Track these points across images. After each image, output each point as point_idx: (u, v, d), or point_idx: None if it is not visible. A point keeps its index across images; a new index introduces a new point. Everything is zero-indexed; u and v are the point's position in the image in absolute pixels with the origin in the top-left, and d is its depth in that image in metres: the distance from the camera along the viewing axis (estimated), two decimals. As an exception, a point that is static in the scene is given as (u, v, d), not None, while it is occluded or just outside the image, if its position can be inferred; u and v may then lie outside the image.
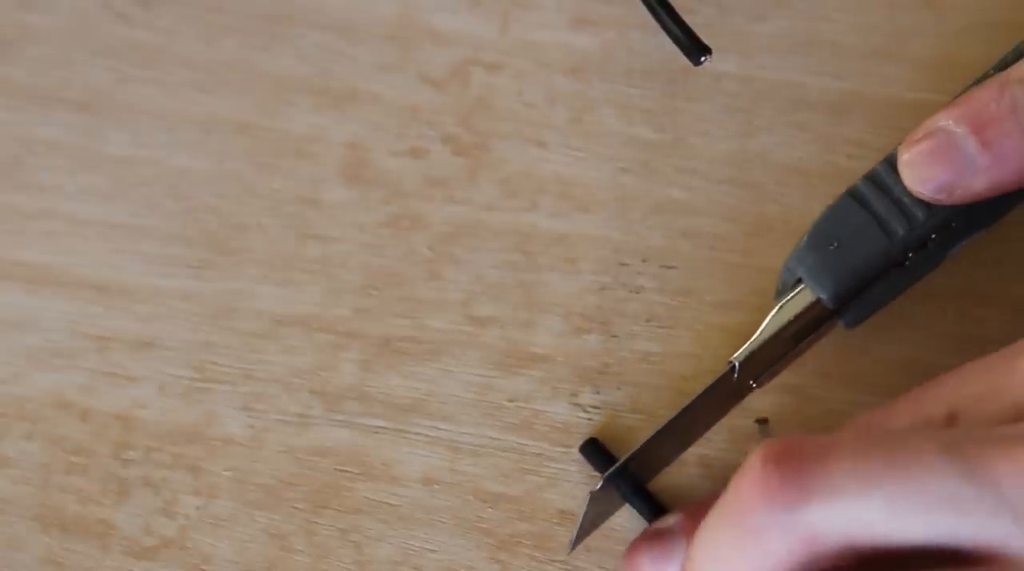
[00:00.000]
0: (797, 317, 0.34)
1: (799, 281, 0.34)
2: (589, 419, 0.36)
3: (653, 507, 0.34)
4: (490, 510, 0.35)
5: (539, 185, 0.39)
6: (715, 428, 0.35)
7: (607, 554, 0.34)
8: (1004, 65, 0.34)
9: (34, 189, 0.40)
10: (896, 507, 0.25)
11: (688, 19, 0.39)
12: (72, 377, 0.38)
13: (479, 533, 0.35)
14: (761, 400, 0.35)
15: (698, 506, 0.33)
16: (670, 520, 0.33)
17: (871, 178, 0.34)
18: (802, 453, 0.26)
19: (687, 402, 0.33)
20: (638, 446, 0.33)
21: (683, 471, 0.35)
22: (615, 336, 0.37)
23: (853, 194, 0.34)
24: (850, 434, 0.29)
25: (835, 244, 0.33)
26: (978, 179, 0.32)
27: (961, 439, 0.26)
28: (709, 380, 0.34)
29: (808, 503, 0.26)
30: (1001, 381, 0.28)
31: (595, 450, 0.35)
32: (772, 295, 0.36)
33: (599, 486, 0.33)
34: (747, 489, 0.26)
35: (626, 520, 0.35)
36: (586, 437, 0.36)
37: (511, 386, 0.36)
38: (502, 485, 0.35)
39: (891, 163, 0.34)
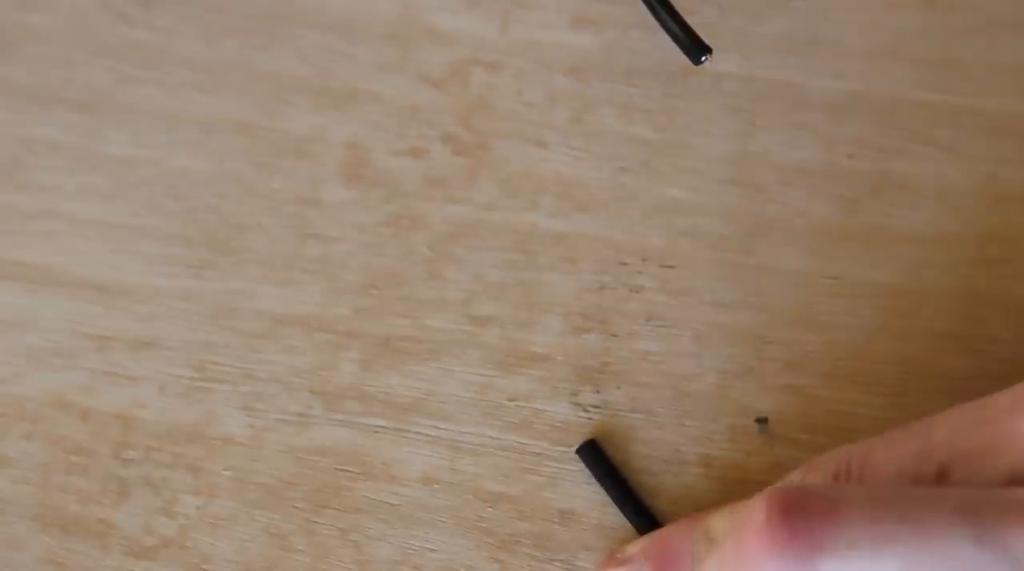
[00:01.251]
0: None
1: None
2: (589, 418, 0.36)
3: (642, 513, 0.34)
4: (490, 509, 0.35)
5: (539, 185, 0.39)
6: (716, 427, 0.35)
7: (607, 553, 0.34)
8: None
9: (34, 189, 0.40)
10: (911, 567, 0.25)
11: (688, 19, 0.39)
12: (72, 377, 0.38)
13: (479, 532, 0.35)
14: (761, 400, 0.35)
15: (662, 536, 0.33)
16: (633, 548, 0.33)
17: None
18: (810, 506, 0.26)
19: None
20: None
21: (684, 470, 0.35)
22: (615, 335, 0.37)
23: None
24: (858, 489, 0.29)
25: None
26: None
27: (978, 503, 0.26)
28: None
29: (820, 557, 0.25)
30: (995, 442, 0.28)
31: (593, 453, 0.35)
32: (772, 295, 0.36)
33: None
34: (754, 542, 0.26)
35: (624, 519, 0.35)
36: (585, 437, 0.36)
37: (511, 385, 0.36)
38: (502, 484, 0.35)
39: None
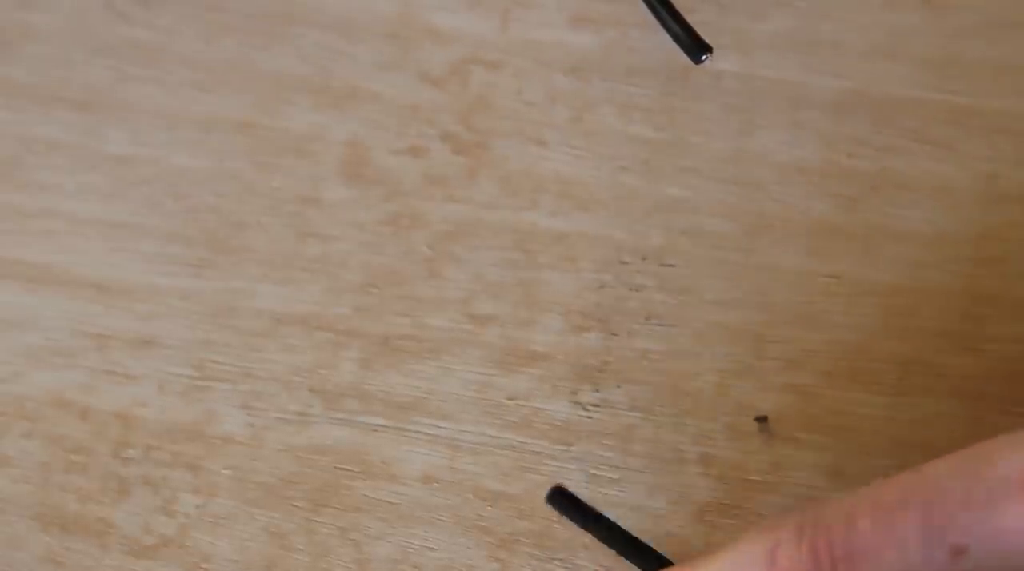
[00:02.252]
0: None
1: None
2: (589, 417, 0.36)
3: (631, 542, 0.33)
4: (490, 508, 0.35)
5: (539, 183, 0.39)
6: (716, 426, 0.35)
7: (607, 552, 0.34)
8: None
9: (34, 188, 0.40)
10: None
11: (688, 18, 0.39)
12: (72, 376, 0.38)
13: (479, 531, 0.35)
14: (761, 399, 0.35)
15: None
16: None
17: None
18: None
19: None
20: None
21: (684, 469, 0.35)
22: (615, 334, 0.37)
23: None
24: None
25: None
26: None
27: None
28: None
29: None
30: (1016, 522, 0.25)
31: (564, 497, 0.33)
32: (772, 293, 0.36)
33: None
34: None
35: (626, 519, 0.35)
36: (584, 436, 0.35)
37: (511, 384, 0.36)
38: (502, 483, 0.35)
39: None
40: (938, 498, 0.25)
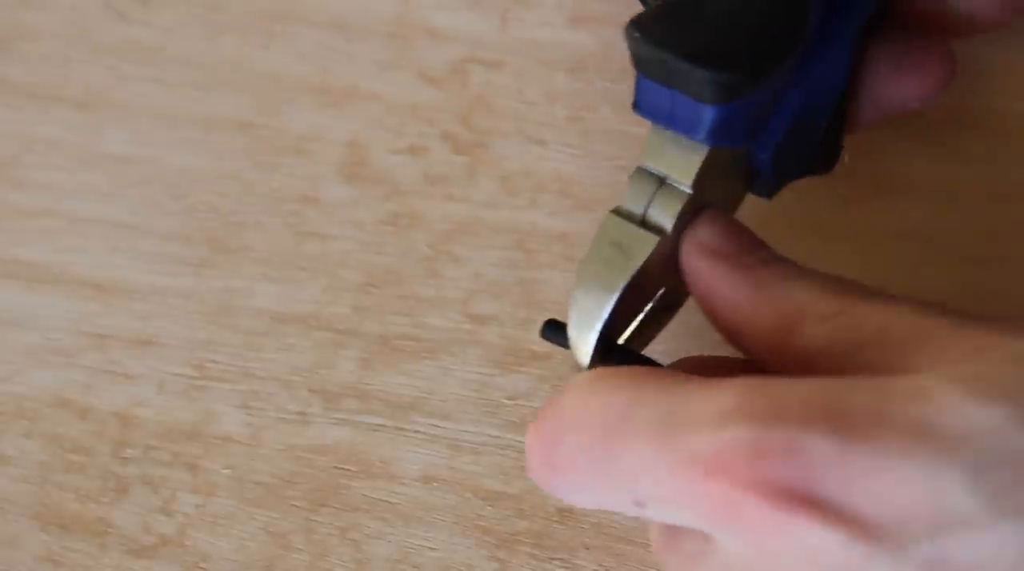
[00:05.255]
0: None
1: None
2: (588, 417, 0.36)
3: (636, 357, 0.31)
4: (489, 508, 0.35)
5: (538, 183, 0.39)
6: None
7: (606, 552, 0.34)
8: None
9: (33, 187, 0.40)
10: None
11: (688, 17, 0.39)
12: (71, 375, 0.38)
13: (478, 531, 0.35)
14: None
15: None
16: None
17: None
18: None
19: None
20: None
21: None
22: (614, 334, 0.36)
23: None
24: None
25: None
26: None
27: None
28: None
29: None
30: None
31: (559, 329, 0.31)
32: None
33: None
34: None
35: (624, 517, 0.35)
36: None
37: (510, 384, 0.36)
38: (501, 483, 0.35)
39: None
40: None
